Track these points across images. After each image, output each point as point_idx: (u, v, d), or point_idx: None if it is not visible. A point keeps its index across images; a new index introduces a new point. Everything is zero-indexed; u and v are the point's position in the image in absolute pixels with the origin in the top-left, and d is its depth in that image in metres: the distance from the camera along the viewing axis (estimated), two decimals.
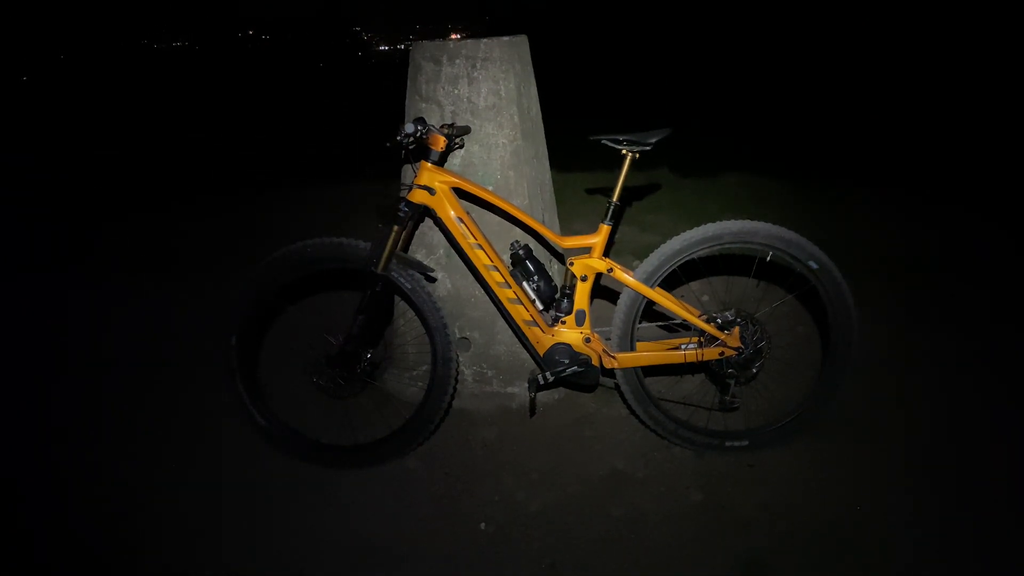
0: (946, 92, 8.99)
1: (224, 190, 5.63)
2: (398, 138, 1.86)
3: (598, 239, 1.99)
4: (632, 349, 2.06)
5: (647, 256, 1.99)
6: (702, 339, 2.05)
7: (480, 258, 2.00)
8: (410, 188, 1.96)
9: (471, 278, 2.26)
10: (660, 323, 2.20)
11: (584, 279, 2.02)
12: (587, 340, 2.06)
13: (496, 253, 2.03)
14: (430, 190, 1.95)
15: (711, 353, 2.04)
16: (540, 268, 2.06)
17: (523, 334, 2.08)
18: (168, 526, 1.97)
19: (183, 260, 3.90)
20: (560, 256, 2.44)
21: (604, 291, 2.53)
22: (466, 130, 2.14)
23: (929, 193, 4.40)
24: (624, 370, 2.07)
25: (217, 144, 8.68)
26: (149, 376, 2.70)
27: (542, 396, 2.44)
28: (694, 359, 2.05)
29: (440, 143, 1.93)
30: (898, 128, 7.13)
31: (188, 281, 3.53)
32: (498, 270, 2.01)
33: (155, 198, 5.44)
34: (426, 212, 2.04)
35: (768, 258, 1.99)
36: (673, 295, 2.03)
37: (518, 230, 2.25)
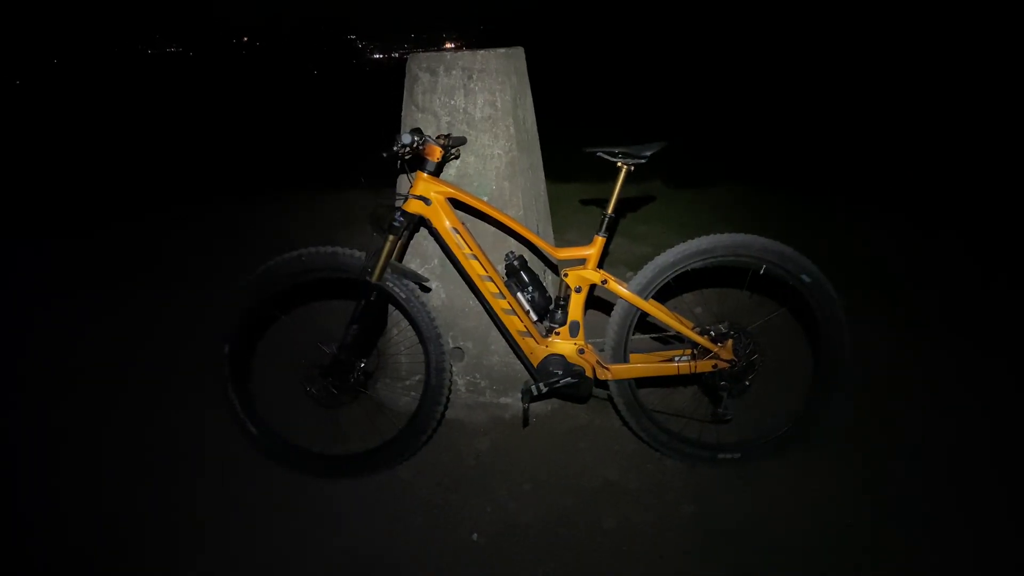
0: (943, 102, 9.02)
1: (221, 196, 5.61)
2: (394, 148, 1.87)
3: (593, 251, 1.99)
4: (626, 361, 2.06)
5: (641, 268, 2.00)
6: (695, 351, 2.06)
7: (475, 268, 2.00)
8: (405, 198, 1.96)
9: (465, 288, 2.26)
10: (654, 335, 2.20)
11: (578, 290, 2.02)
12: (581, 351, 2.07)
13: (491, 264, 2.03)
14: (426, 200, 1.95)
15: (704, 365, 2.04)
16: (535, 279, 2.06)
17: (517, 345, 2.08)
18: (154, 534, 1.95)
19: (179, 266, 3.88)
20: (554, 267, 2.45)
21: (598, 302, 2.53)
22: (462, 141, 2.14)
23: (927, 208, 4.42)
24: (617, 381, 2.07)
25: (214, 150, 8.66)
26: (138, 381, 2.69)
27: (535, 407, 2.44)
28: (687, 371, 2.05)
29: (436, 154, 1.93)
30: (894, 140, 7.16)
31: (185, 288, 3.52)
32: (493, 281, 2.01)
33: (155, 203, 5.41)
34: (421, 222, 2.04)
35: (761, 271, 2.00)
36: (667, 307, 2.03)
37: (513, 241, 2.26)
